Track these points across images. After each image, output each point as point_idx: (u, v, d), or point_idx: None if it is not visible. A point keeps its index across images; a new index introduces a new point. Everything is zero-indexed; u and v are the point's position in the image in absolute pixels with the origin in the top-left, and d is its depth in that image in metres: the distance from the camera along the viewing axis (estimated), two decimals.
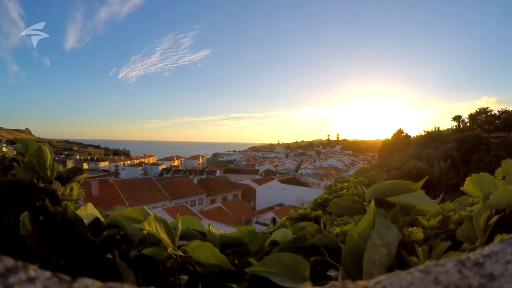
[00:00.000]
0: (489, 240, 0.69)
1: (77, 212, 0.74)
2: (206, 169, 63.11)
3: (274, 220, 24.47)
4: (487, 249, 0.33)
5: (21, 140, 0.78)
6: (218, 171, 56.06)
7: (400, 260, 0.60)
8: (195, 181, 39.04)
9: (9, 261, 0.26)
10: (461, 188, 0.85)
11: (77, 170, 0.86)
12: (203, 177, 47.11)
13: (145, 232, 0.74)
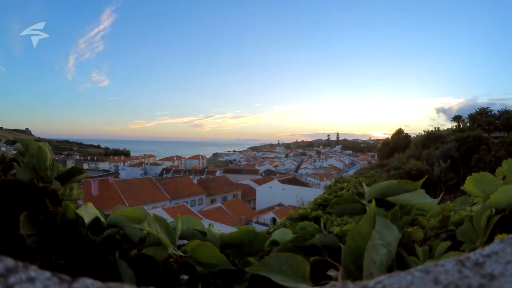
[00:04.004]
0: (489, 240, 0.69)
1: (77, 211, 0.74)
2: (206, 169, 63.17)
3: (274, 220, 24.48)
4: (487, 249, 0.33)
5: (21, 140, 0.78)
6: (218, 171, 56.06)
7: (400, 260, 0.60)
8: (195, 181, 39.04)
9: (9, 261, 0.26)
10: (461, 188, 0.85)
11: (77, 170, 0.86)
12: (203, 177, 47.12)
13: (145, 232, 0.74)
